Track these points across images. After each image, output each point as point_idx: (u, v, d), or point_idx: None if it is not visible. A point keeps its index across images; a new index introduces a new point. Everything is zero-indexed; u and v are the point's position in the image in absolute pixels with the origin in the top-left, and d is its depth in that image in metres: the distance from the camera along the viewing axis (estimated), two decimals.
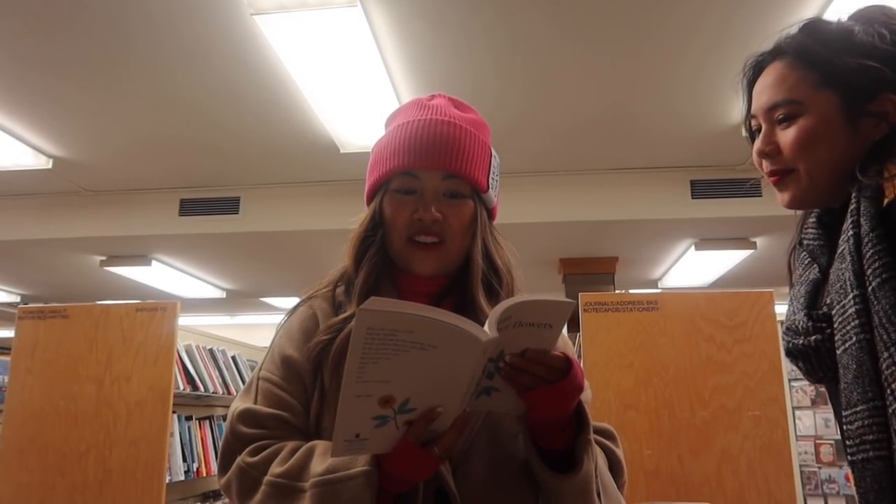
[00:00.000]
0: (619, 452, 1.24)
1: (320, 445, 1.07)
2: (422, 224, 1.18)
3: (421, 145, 1.19)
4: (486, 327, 0.91)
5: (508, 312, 0.92)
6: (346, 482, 0.99)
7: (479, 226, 1.23)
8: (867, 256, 0.94)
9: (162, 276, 6.86)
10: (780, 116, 1.13)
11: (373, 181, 1.26)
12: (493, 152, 1.30)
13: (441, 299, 1.22)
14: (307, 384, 1.17)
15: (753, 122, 1.27)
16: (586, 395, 1.30)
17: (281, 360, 1.19)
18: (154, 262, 6.38)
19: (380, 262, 1.22)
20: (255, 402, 1.16)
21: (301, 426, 1.15)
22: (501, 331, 0.91)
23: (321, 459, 1.04)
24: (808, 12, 3.10)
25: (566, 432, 1.07)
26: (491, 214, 1.30)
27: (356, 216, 1.29)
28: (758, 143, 1.20)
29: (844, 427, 0.97)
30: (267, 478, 1.06)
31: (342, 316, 1.19)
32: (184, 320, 3.72)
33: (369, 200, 1.28)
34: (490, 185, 1.26)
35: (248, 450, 1.10)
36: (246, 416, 1.14)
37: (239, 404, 1.18)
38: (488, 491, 1.09)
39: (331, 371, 1.14)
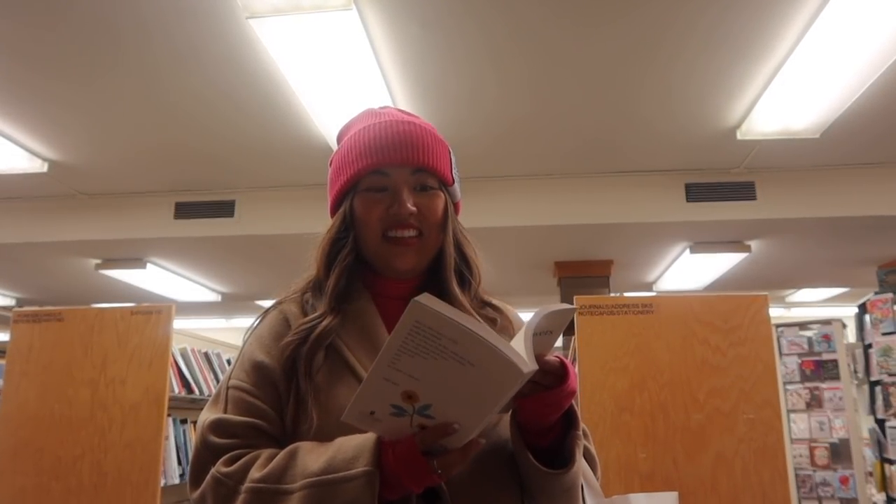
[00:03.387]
0: (592, 447, 1.25)
1: (304, 446, 1.05)
2: (397, 218, 1.19)
3: (388, 143, 1.21)
4: (517, 345, 0.90)
5: (539, 329, 0.92)
6: (346, 483, 0.96)
7: (450, 218, 1.26)
8: None
9: (157, 279, 6.85)
10: None
11: (340, 186, 1.25)
12: (450, 149, 1.32)
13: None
14: (281, 390, 1.13)
15: None
16: None
17: (252, 367, 1.16)
18: (149, 266, 6.37)
19: (352, 264, 1.22)
20: (226, 412, 1.12)
21: (276, 433, 1.12)
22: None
23: (313, 458, 1.01)
24: (802, 16, 3.11)
25: (555, 429, 1.08)
26: (456, 209, 1.31)
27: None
28: None
29: None
30: (245, 485, 1.02)
31: (312, 316, 1.18)
32: (179, 323, 3.72)
33: (335, 208, 1.27)
34: (454, 179, 1.29)
35: (221, 460, 1.07)
36: (217, 426, 1.10)
37: (208, 415, 1.13)
38: (476, 481, 1.09)
39: (304, 374, 1.12)
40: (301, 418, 1.10)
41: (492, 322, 1.25)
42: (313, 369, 1.12)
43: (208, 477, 1.06)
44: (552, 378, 0.99)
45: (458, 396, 0.91)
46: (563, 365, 1.00)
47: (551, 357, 1.00)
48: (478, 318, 1.21)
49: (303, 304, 1.23)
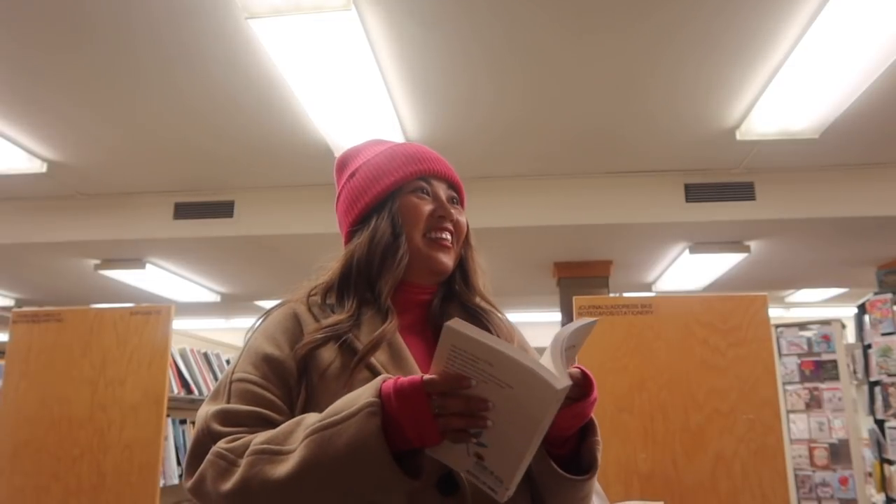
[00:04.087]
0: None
1: (313, 413, 1.00)
2: (441, 221, 1.26)
3: (431, 156, 1.31)
4: (547, 362, 0.90)
5: (568, 343, 0.94)
6: (348, 420, 0.91)
7: (471, 237, 1.35)
8: None
9: (156, 279, 6.85)
10: None
11: (380, 189, 1.28)
12: None
13: (431, 308, 1.28)
14: (291, 385, 1.10)
15: None
16: None
17: (261, 360, 1.12)
18: (148, 266, 6.37)
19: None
20: (229, 403, 1.08)
21: None
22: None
23: (317, 416, 0.97)
24: (801, 17, 3.11)
25: (573, 436, 1.09)
26: None
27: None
28: None
29: None
30: (248, 452, 0.96)
31: (339, 317, 1.16)
32: (178, 324, 3.72)
33: (363, 216, 1.29)
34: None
35: (224, 439, 1.01)
36: (221, 415, 1.05)
37: (210, 407, 1.08)
38: None
39: (321, 373, 1.10)
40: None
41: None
42: (331, 371, 1.10)
43: (208, 455, 1.00)
44: (576, 389, 1.00)
45: (505, 420, 0.90)
46: (585, 376, 1.02)
47: (573, 369, 1.01)
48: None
49: (309, 307, 1.22)
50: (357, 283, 1.23)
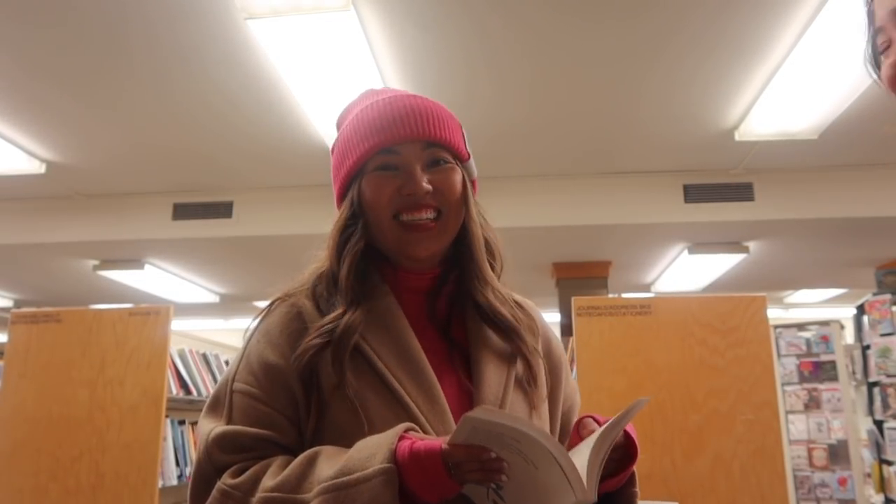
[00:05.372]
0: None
1: (326, 450, 0.93)
2: (412, 199, 1.06)
3: (395, 118, 1.08)
4: (582, 456, 0.85)
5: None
6: (363, 483, 0.84)
7: (470, 195, 1.14)
8: None
9: (155, 280, 6.85)
10: None
11: (346, 171, 1.13)
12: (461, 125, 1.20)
13: (437, 297, 1.12)
14: (297, 395, 1.00)
15: (881, 40, 0.96)
16: (576, 402, 1.26)
17: (262, 369, 1.02)
18: (147, 267, 6.37)
19: (361, 252, 1.09)
20: (231, 421, 0.99)
21: (289, 444, 0.99)
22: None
23: (330, 464, 0.89)
24: (800, 18, 3.11)
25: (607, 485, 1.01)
26: (472, 187, 1.17)
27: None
28: (892, 57, 0.93)
29: None
30: (257, 496, 0.89)
31: (333, 315, 1.04)
32: (177, 324, 3.71)
33: (342, 198, 1.16)
34: (469, 154, 1.16)
35: (228, 471, 0.94)
36: (223, 440, 0.97)
37: (211, 425, 1.00)
38: None
39: (329, 387, 0.99)
40: (323, 430, 0.99)
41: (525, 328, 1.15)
42: (344, 374, 0.99)
43: (214, 491, 0.93)
44: (620, 450, 0.98)
45: (524, 488, 0.86)
46: (630, 444, 1.00)
47: (622, 435, 0.98)
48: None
49: (315, 298, 1.09)
50: (344, 273, 1.09)
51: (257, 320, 1.11)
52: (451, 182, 1.09)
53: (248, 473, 0.93)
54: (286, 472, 0.90)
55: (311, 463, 0.91)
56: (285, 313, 1.08)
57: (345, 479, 0.86)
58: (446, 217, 1.09)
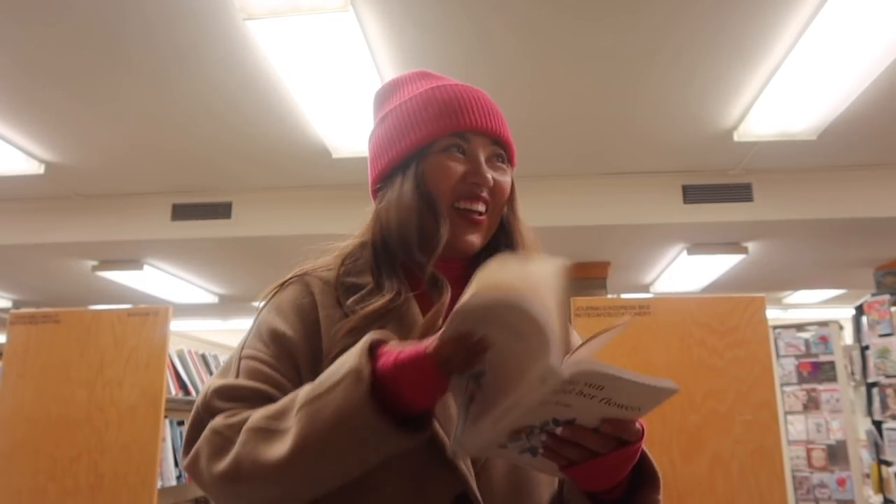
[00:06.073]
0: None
1: (307, 386, 0.90)
2: (475, 189, 1.06)
3: (472, 107, 1.09)
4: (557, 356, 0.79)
5: (596, 380, 0.83)
6: (333, 390, 0.82)
7: (517, 197, 1.14)
8: None
9: (154, 280, 6.85)
10: None
11: (408, 145, 1.09)
12: None
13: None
14: (301, 367, 0.99)
15: None
16: None
17: (270, 337, 1.02)
18: (146, 267, 6.37)
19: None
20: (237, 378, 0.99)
21: None
22: (570, 394, 0.82)
23: (310, 386, 0.88)
24: (799, 18, 3.11)
25: (621, 484, 0.97)
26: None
27: (351, 220, 1.19)
28: None
29: None
30: (244, 429, 0.88)
31: (383, 301, 1.01)
32: (176, 325, 3.71)
33: (389, 171, 1.12)
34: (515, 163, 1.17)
35: (222, 415, 0.93)
36: (223, 390, 0.96)
37: (215, 381, 1.00)
38: (510, 496, 1.00)
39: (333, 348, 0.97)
40: None
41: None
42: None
43: (205, 431, 0.93)
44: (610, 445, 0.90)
45: (505, 365, 0.81)
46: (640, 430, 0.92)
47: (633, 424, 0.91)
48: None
49: (337, 281, 1.06)
50: (393, 256, 1.07)
51: (269, 295, 1.10)
52: (506, 182, 1.11)
53: (240, 416, 0.92)
54: (275, 404, 0.90)
55: (297, 393, 0.89)
56: (296, 290, 1.08)
57: (317, 392, 0.84)
58: (492, 214, 1.09)
